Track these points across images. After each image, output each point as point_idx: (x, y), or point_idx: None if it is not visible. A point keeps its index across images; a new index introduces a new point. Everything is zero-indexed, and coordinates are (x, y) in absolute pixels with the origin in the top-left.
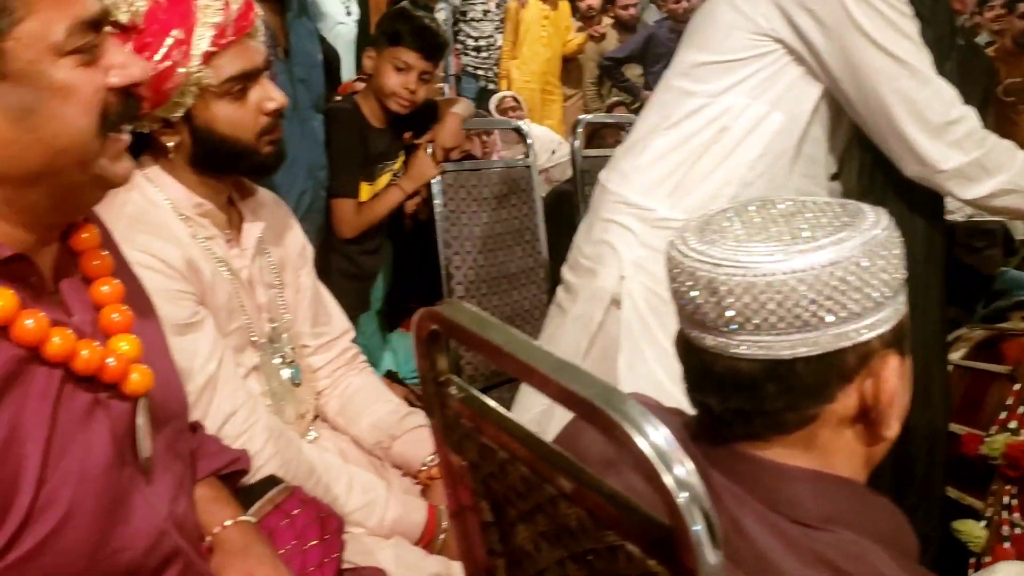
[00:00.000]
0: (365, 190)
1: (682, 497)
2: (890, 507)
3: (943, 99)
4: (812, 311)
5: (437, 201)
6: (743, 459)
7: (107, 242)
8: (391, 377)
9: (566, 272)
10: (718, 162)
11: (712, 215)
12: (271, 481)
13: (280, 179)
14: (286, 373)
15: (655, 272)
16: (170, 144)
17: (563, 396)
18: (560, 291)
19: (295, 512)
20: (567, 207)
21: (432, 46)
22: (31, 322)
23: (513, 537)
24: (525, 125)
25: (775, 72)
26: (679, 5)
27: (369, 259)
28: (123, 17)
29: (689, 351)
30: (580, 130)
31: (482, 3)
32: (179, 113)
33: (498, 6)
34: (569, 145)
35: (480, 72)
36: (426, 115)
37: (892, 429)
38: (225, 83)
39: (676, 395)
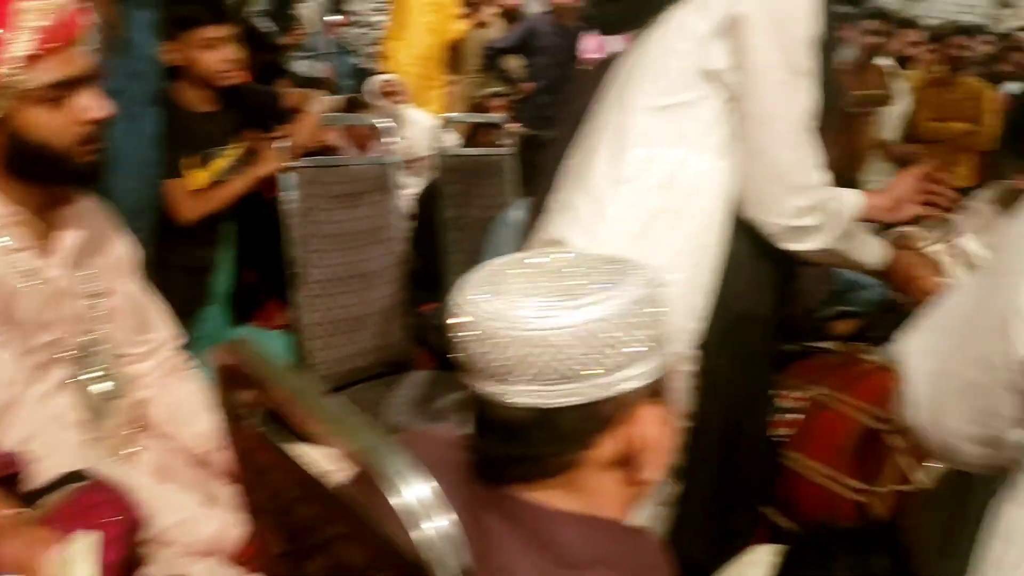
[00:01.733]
0: (199, 176)
1: (432, 553)
2: (651, 544)
3: (806, 165)
4: (576, 365)
5: (291, 197)
6: (516, 502)
7: None
8: None
9: None
10: (674, 222)
11: (502, 263)
12: (63, 480)
13: (108, 177)
14: (102, 386)
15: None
16: None
17: (340, 447)
18: None
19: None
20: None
21: (220, 7)
22: None
23: (306, 568)
24: (406, 110)
25: (718, 116)
26: (564, 0)
27: (206, 250)
28: None
29: (472, 397)
30: (448, 127)
31: None
32: None
33: None
34: (450, 133)
35: (356, 49)
36: (267, 104)
37: (650, 473)
38: (44, 89)
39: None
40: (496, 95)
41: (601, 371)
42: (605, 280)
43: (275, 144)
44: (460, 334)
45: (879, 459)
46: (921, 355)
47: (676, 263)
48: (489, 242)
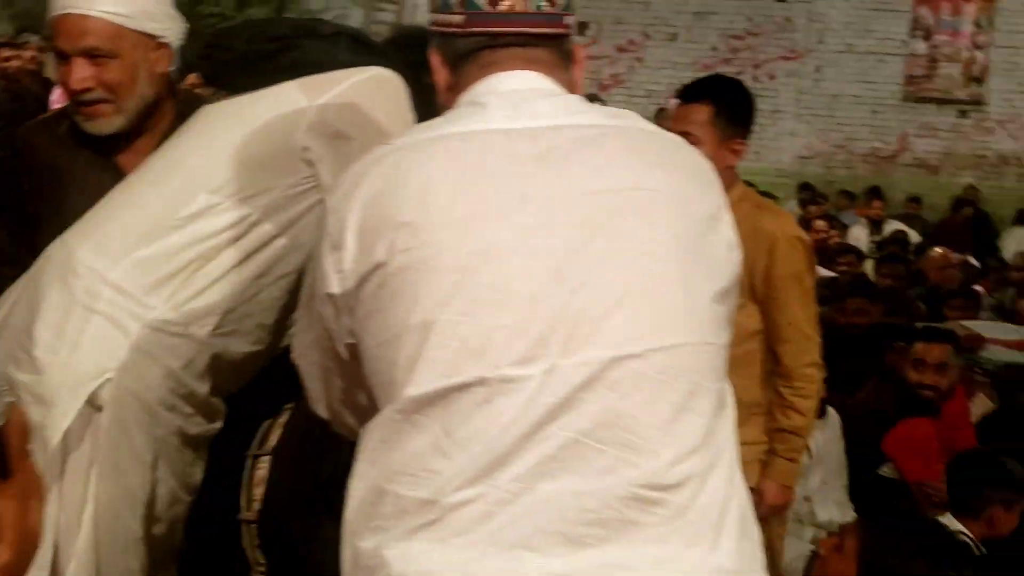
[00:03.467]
0: None
1: None
2: None
3: None
4: None
5: None
6: None
7: None
8: None
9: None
10: (220, 274)
11: None
12: None
13: None
14: None
15: (145, 378)
16: None
17: None
18: None
19: None
20: None
21: None
22: None
23: None
24: None
25: (295, 195)
26: (9, 63)
27: None
28: None
29: None
30: None
31: None
32: None
33: None
34: None
35: None
36: None
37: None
38: None
39: (137, 505)
40: None
41: None
42: None
43: None
44: None
45: None
46: (303, 355)
47: (208, 312)
48: None
